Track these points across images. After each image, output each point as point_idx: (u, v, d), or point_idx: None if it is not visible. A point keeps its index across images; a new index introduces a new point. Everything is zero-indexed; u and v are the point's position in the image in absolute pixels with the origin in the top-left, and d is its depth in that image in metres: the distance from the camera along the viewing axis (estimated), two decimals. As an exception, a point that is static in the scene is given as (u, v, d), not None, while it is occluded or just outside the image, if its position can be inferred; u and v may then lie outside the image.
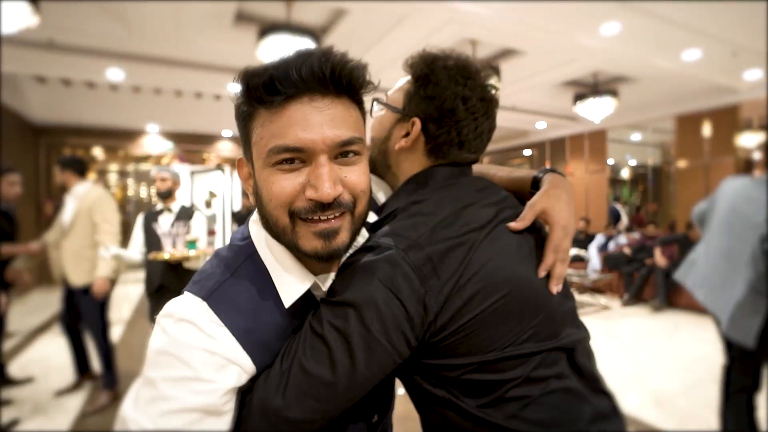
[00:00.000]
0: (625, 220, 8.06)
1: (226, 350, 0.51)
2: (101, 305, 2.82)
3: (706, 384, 2.82)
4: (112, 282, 2.81)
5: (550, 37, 3.85)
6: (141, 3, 3.31)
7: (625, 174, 10.12)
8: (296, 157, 0.52)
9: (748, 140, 5.67)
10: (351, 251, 0.61)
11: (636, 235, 6.60)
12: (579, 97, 5.69)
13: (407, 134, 0.70)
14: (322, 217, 0.53)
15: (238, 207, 8.32)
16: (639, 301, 5.62)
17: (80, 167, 2.83)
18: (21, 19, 2.90)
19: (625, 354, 3.72)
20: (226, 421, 0.51)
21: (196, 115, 6.91)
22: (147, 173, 8.99)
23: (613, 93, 5.48)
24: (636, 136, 8.06)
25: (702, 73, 4.64)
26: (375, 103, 0.71)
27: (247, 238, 0.61)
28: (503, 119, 7.33)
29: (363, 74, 0.55)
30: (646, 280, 5.54)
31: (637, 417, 2.59)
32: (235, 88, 0.54)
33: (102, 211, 2.76)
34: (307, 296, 0.59)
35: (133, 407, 0.49)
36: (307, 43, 3.48)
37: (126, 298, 6.23)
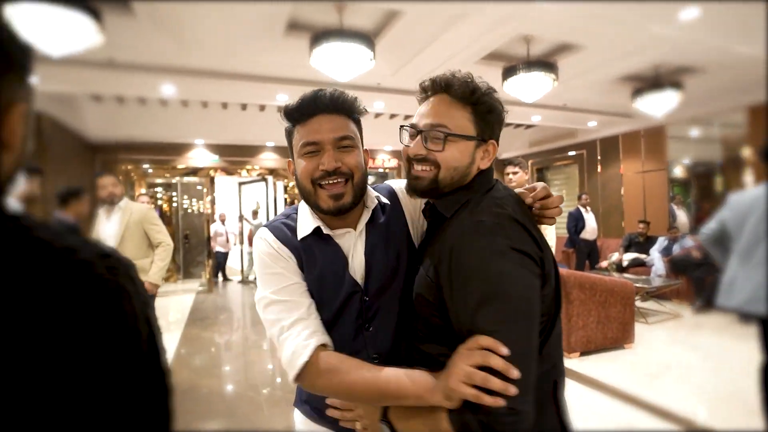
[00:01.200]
0: (684, 219, 7.52)
1: (282, 251, 0.92)
2: None
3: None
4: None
5: (614, 29, 3.60)
6: (195, 17, 3.33)
7: (678, 172, 9.52)
8: (314, 149, 0.89)
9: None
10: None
11: (703, 238, 6.11)
12: (638, 92, 5.35)
13: (484, 154, 0.86)
14: (330, 181, 0.88)
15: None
16: (712, 307, 5.18)
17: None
18: (86, 37, 2.97)
19: (712, 366, 3.39)
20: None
21: (240, 126, 7.01)
22: (194, 186, 9.25)
23: (677, 85, 5.12)
24: (696, 132, 7.53)
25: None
26: (446, 136, 0.82)
27: (294, 207, 1.01)
28: (550, 119, 7.04)
29: (353, 102, 0.94)
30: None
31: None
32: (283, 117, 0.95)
33: (150, 219, 3.14)
34: (321, 237, 0.93)
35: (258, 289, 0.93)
36: (359, 49, 3.39)
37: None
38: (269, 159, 8.33)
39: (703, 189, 8.88)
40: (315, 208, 0.91)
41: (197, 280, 8.62)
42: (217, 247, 8.58)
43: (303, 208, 0.96)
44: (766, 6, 3.14)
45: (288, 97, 5.24)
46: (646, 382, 3.14)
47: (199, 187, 9.12)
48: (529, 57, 4.31)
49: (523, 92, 4.33)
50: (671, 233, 6.28)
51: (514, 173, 2.99)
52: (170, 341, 4.69)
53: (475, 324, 0.69)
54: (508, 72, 4.49)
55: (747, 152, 6.19)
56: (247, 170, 8.32)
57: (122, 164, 7.42)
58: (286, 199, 8.64)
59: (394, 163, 9.30)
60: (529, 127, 8.46)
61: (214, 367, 3.99)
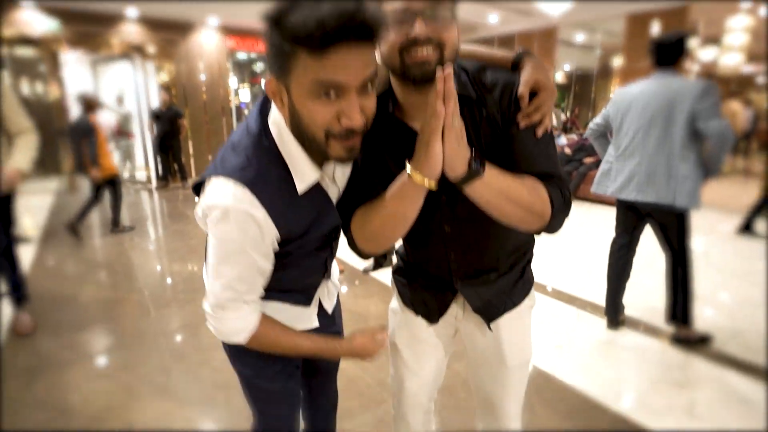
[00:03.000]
0: (554, 122, 8.30)
1: (268, 231, 0.75)
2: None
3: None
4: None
5: None
6: None
7: (559, 78, 10.27)
8: (336, 91, 0.65)
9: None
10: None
11: (575, 137, 6.84)
12: (540, -13, 5.33)
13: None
14: (351, 137, 0.69)
15: (156, 104, 7.22)
16: (577, 198, 6.00)
17: None
18: None
19: (574, 246, 4.00)
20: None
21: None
22: (31, 63, 7.31)
23: (575, -16, 5.18)
24: (581, 37, 7.97)
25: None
26: (452, 12, 0.75)
27: (261, 133, 0.76)
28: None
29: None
30: (583, 178, 5.86)
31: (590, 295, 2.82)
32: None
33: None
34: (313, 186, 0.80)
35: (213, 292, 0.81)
36: None
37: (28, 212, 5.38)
38: (134, 33, 6.85)
39: (578, 94, 9.78)
40: (317, 152, 0.74)
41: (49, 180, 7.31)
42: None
43: (288, 142, 0.75)
44: None
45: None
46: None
47: (41, 68, 7.22)
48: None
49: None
50: (550, 133, 6.88)
51: None
52: (31, 248, 4.01)
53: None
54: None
55: (618, 61, 6.74)
56: (103, 46, 6.77)
57: None
58: (161, 86, 7.35)
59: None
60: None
61: (88, 275, 3.54)
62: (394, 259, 1.14)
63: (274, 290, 0.88)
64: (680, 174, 2.12)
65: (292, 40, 0.61)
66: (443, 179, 0.72)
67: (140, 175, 7.96)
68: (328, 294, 1.04)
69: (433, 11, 0.71)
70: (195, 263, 3.70)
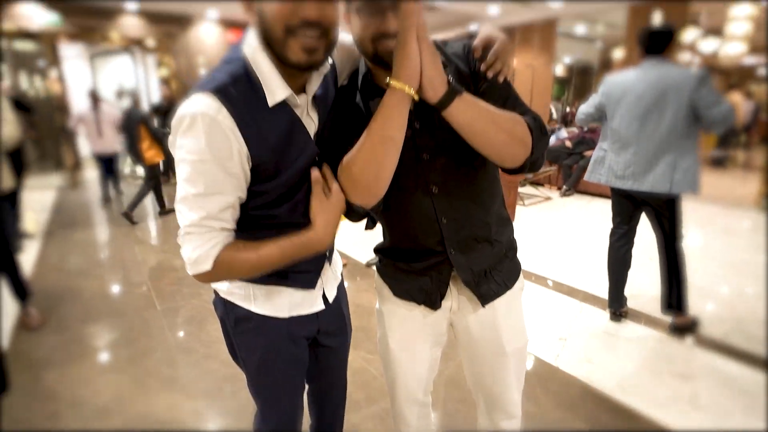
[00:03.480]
0: (554, 116, 8.28)
1: (236, 142, 0.75)
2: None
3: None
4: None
5: None
6: None
7: (558, 71, 10.21)
8: None
9: (688, 36, 5.78)
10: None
11: (575, 129, 6.83)
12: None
13: None
14: (308, 33, 0.71)
15: (156, 98, 7.19)
16: (577, 191, 6.00)
17: None
18: None
19: (576, 235, 4.01)
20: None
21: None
22: (30, 56, 7.29)
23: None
24: (582, 29, 7.92)
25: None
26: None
27: (238, 58, 0.79)
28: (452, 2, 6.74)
29: None
30: (584, 172, 5.86)
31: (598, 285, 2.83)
32: None
33: None
34: (283, 103, 0.80)
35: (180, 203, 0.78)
36: None
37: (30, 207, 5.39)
38: (134, 27, 6.81)
39: (579, 87, 9.73)
40: (279, 58, 0.75)
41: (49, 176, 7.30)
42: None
43: (260, 60, 0.77)
44: None
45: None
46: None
47: (41, 63, 7.17)
48: None
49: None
50: (549, 125, 6.87)
51: None
52: (34, 244, 4.02)
53: None
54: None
55: (619, 53, 6.71)
56: (103, 39, 6.74)
57: None
58: (162, 80, 7.31)
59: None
60: (431, 10, 8.06)
61: (93, 269, 3.55)
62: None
63: (279, 270, 0.86)
64: (678, 162, 2.14)
65: None
66: (422, 111, 0.82)
67: (141, 170, 7.94)
68: (329, 281, 1.04)
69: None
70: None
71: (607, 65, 9.36)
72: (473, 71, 0.87)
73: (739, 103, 5.72)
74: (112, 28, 6.70)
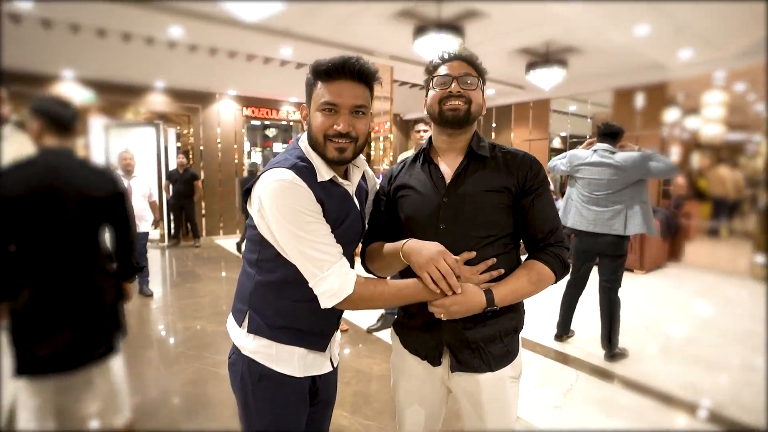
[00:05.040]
0: (552, 186, 8.61)
1: (314, 200, 0.98)
2: None
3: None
4: None
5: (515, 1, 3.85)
6: None
7: (556, 143, 10.75)
8: (333, 108, 1.01)
9: (671, 116, 6.22)
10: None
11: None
12: (531, 66, 5.85)
13: (484, 104, 1.19)
14: (340, 140, 1.01)
15: (173, 166, 7.65)
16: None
17: None
18: None
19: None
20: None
21: (123, 62, 6.09)
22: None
23: (563, 63, 5.70)
24: (573, 107, 8.51)
25: (645, 48, 4.95)
26: (478, 79, 1.13)
27: (298, 147, 1.08)
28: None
29: (375, 73, 1.06)
30: (581, 242, 6.02)
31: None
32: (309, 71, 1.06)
33: None
34: (331, 181, 1.05)
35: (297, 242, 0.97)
36: None
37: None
38: (160, 102, 7.44)
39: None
40: (320, 155, 1.03)
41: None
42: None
43: (310, 153, 1.05)
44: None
45: (184, 28, 4.69)
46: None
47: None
48: (440, 19, 4.41)
49: (433, 54, 4.44)
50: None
51: (425, 131, 3.18)
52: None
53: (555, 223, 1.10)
54: (419, 31, 4.55)
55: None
56: (133, 113, 7.34)
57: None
58: (179, 149, 7.84)
59: (299, 116, 8.93)
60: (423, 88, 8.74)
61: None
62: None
63: (294, 329, 1.05)
64: (630, 209, 2.78)
65: (315, 73, 1.03)
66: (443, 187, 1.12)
67: (152, 234, 8.21)
68: (334, 345, 1.18)
69: (464, 77, 1.09)
70: (203, 321, 3.80)
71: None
72: (523, 186, 1.09)
73: (727, 177, 6.01)
74: (141, 104, 7.32)
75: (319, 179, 1.01)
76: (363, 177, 1.21)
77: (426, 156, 1.18)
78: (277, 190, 0.95)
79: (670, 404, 2.39)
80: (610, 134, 2.95)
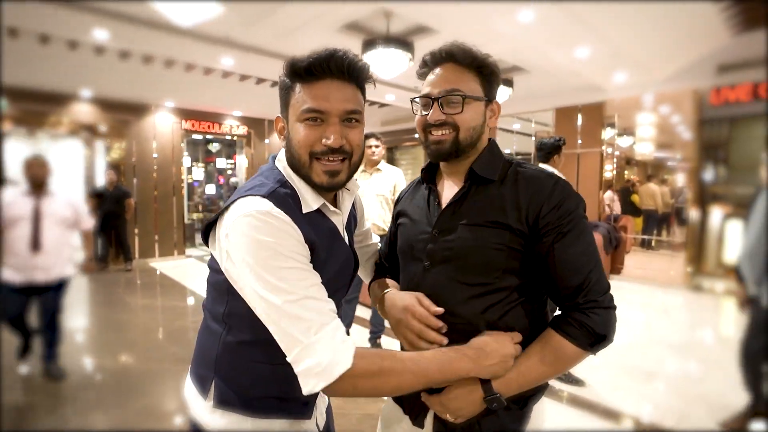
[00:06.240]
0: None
1: (298, 233, 0.75)
2: None
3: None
4: None
5: (464, 18, 3.86)
6: None
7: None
8: (319, 116, 0.79)
9: (607, 135, 6.59)
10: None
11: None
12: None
13: (491, 113, 0.93)
14: (330, 158, 0.79)
15: (101, 183, 6.97)
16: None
17: None
18: None
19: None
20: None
21: (39, 67, 5.48)
22: (-35, 138, 6.96)
23: (509, 82, 5.85)
24: (518, 125, 8.84)
25: (585, 70, 5.19)
26: (464, 98, 0.86)
27: (275, 169, 0.86)
28: (403, 100, 7.37)
29: (367, 70, 0.84)
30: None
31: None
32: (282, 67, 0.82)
33: None
34: (318, 211, 0.84)
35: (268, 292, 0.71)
36: None
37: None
38: (85, 113, 6.79)
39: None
40: (304, 179, 0.82)
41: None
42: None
43: (291, 176, 0.84)
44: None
45: (110, 31, 4.27)
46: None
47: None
48: (389, 33, 4.35)
49: (381, 68, 4.36)
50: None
51: (377, 146, 3.06)
52: None
53: (586, 272, 0.79)
54: (368, 45, 4.46)
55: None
56: (54, 124, 6.62)
57: None
58: (108, 164, 7.16)
59: (243, 130, 8.58)
60: (382, 105, 8.74)
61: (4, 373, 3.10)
62: None
63: (273, 397, 0.83)
64: None
65: (291, 73, 0.80)
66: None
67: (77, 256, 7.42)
68: (320, 405, 0.97)
69: (447, 97, 0.85)
70: (128, 357, 3.36)
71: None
72: (536, 223, 0.80)
73: (657, 192, 6.43)
74: (63, 114, 6.63)
75: (304, 209, 0.80)
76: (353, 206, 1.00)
77: (424, 176, 0.97)
78: (250, 225, 0.71)
79: (611, 417, 2.36)
80: (541, 152, 2.97)
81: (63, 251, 2.80)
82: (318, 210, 0.83)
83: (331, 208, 0.86)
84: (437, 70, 0.89)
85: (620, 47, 4.46)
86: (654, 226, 6.66)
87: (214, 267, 0.82)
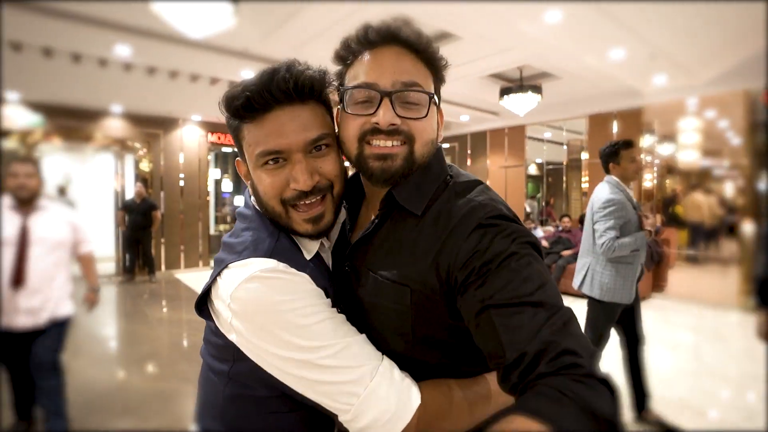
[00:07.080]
0: (530, 214, 8.47)
1: (311, 283, 0.64)
2: None
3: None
4: None
5: (487, 21, 3.67)
6: None
7: (533, 170, 10.73)
8: (278, 157, 0.65)
9: (647, 143, 6.16)
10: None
11: (551, 228, 6.90)
12: (505, 91, 5.70)
13: (439, 123, 0.72)
14: (307, 202, 0.66)
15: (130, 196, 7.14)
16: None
17: None
18: None
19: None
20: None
21: (74, 84, 5.67)
22: (8, 153, 7.32)
23: (537, 89, 5.57)
24: (548, 134, 8.47)
25: (620, 73, 4.86)
26: (431, 98, 0.64)
27: (257, 218, 0.71)
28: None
29: (322, 80, 0.67)
30: (563, 271, 5.77)
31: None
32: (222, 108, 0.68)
33: None
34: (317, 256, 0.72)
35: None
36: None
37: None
38: (117, 128, 7.00)
39: (552, 185, 10.14)
40: (288, 230, 0.69)
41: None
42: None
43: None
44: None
45: (132, 48, 4.34)
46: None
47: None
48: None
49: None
50: (525, 223, 6.94)
51: None
52: None
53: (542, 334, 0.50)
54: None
55: (585, 155, 7.10)
56: (87, 138, 6.85)
57: None
58: (137, 176, 7.34)
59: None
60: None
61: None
62: None
63: None
64: (596, 269, 2.34)
65: (233, 114, 0.66)
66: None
67: (107, 267, 7.61)
68: None
69: (404, 94, 0.61)
70: (149, 370, 3.30)
71: (576, 165, 9.89)
72: (454, 274, 0.58)
73: (703, 203, 5.92)
74: (96, 129, 6.86)
75: (307, 257, 0.68)
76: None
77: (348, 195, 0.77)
78: (260, 289, 0.59)
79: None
80: (602, 160, 2.42)
81: (56, 286, 2.09)
82: (317, 253, 0.72)
83: (326, 245, 0.75)
84: (378, 54, 0.63)
85: (659, 48, 4.13)
86: (701, 239, 6.15)
87: (213, 328, 0.68)
